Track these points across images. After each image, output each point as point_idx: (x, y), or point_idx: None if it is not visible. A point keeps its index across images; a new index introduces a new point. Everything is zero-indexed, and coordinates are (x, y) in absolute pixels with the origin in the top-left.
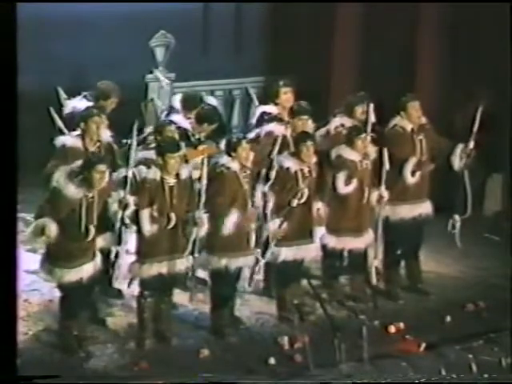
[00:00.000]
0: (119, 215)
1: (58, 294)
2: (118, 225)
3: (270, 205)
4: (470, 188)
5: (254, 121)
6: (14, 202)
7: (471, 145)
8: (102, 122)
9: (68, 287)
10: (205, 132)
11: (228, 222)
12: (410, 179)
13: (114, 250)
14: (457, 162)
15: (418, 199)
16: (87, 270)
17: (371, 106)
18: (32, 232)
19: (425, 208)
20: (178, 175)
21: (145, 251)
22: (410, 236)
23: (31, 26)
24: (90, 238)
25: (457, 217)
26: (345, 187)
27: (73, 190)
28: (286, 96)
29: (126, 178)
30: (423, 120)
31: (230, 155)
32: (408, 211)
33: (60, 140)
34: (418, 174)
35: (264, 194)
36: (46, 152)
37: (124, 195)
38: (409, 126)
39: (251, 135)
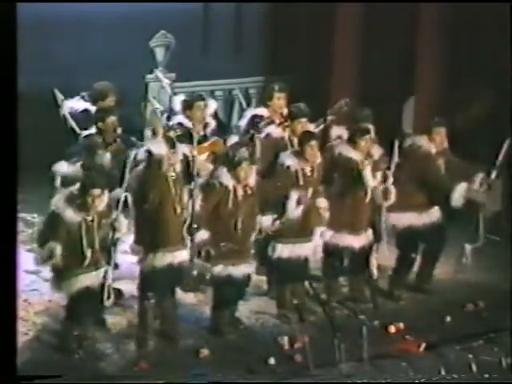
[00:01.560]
0: (109, 237)
1: (60, 295)
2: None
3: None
4: (483, 219)
5: (243, 123)
6: (14, 202)
7: (493, 175)
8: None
9: (76, 295)
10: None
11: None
12: (457, 203)
13: (103, 269)
14: (474, 190)
15: (424, 208)
16: (93, 277)
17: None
18: (41, 258)
19: (434, 215)
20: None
21: (157, 242)
22: (426, 241)
23: (31, 25)
24: (87, 262)
25: (467, 246)
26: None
27: (71, 215)
28: (279, 101)
29: (118, 200)
30: (445, 144)
31: (229, 172)
32: (416, 220)
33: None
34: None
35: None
36: (45, 152)
37: (116, 217)
38: (433, 150)
39: (248, 140)
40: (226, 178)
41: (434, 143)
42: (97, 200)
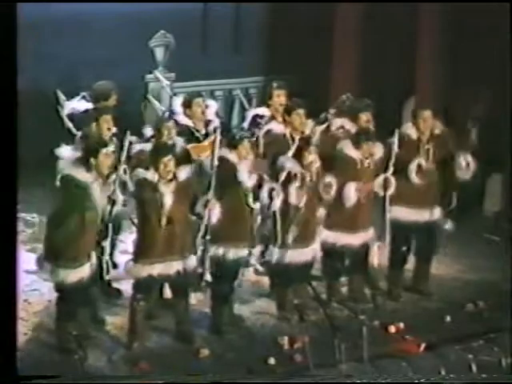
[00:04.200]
0: (107, 211)
1: (56, 294)
2: (105, 220)
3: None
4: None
5: (246, 124)
6: (14, 202)
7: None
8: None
9: (68, 287)
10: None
11: (214, 215)
12: (414, 178)
13: (101, 245)
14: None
15: (420, 205)
16: (86, 269)
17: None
18: None
19: (431, 214)
20: (175, 177)
21: (138, 252)
22: (418, 239)
23: (31, 25)
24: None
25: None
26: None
27: (85, 174)
28: (279, 99)
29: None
30: (436, 130)
31: (231, 150)
32: (407, 214)
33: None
34: (420, 175)
35: (270, 192)
36: (45, 152)
37: (113, 191)
38: (415, 135)
39: (250, 135)
40: (228, 154)
41: (418, 128)
42: (109, 159)
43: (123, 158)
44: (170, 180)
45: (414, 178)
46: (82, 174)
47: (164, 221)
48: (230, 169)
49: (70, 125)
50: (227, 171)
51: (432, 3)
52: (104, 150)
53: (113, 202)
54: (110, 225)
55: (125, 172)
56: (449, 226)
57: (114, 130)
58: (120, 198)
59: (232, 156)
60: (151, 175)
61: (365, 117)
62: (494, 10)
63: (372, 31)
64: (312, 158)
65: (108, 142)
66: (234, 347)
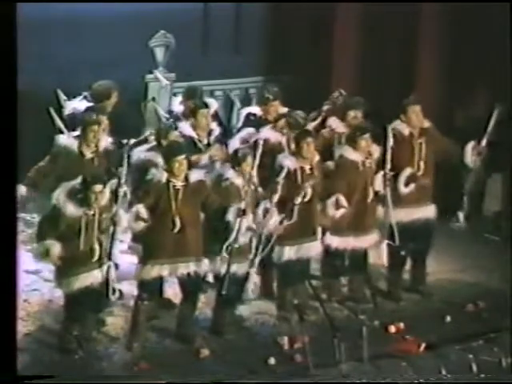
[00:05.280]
0: (110, 231)
1: (60, 294)
2: (108, 240)
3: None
4: (469, 188)
5: (240, 124)
6: (14, 202)
7: (483, 143)
8: (100, 129)
9: (77, 294)
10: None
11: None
12: (403, 190)
13: (106, 266)
14: (467, 160)
15: (416, 204)
16: (96, 275)
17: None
18: (37, 253)
19: (426, 212)
20: (186, 178)
21: (147, 253)
22: (414, 239)
23: (31, 25)
24: (87, 257)
25: (461, 214)
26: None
27: (72, 209)
28: (273, 108)
29: (117, 194)
30: (425, 124)
31: (234, 168)
32: (405, 215)
33: (58, 138)
34: (412, 185)
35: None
36: (46, 152)
37: (116, 212)
38: (406, 130)
39: (247, 139)
40: (234, 177)
41: (409, 124)
42: (99, 195)
43: (123, 180)
44: (182, 180)
45: (402, 188)
46: (71, 209)
47: (175, 222)
48: (234, 192)
49: (61, 125)
50: (233, 194)
51: (432, 3)
52: (96, 187)
53: (114, 224)
54: (112, 244)
55: (125, 195)
56: (460, 223)
57: (108, 139)
58: (124, 218)
59: (238, 180)
60: (161, 176)
61: (353, 114)
62: (494, 10)
63: (372, 31)
64: (311, 149)
65: (100, 177)
66: (234, 347)
